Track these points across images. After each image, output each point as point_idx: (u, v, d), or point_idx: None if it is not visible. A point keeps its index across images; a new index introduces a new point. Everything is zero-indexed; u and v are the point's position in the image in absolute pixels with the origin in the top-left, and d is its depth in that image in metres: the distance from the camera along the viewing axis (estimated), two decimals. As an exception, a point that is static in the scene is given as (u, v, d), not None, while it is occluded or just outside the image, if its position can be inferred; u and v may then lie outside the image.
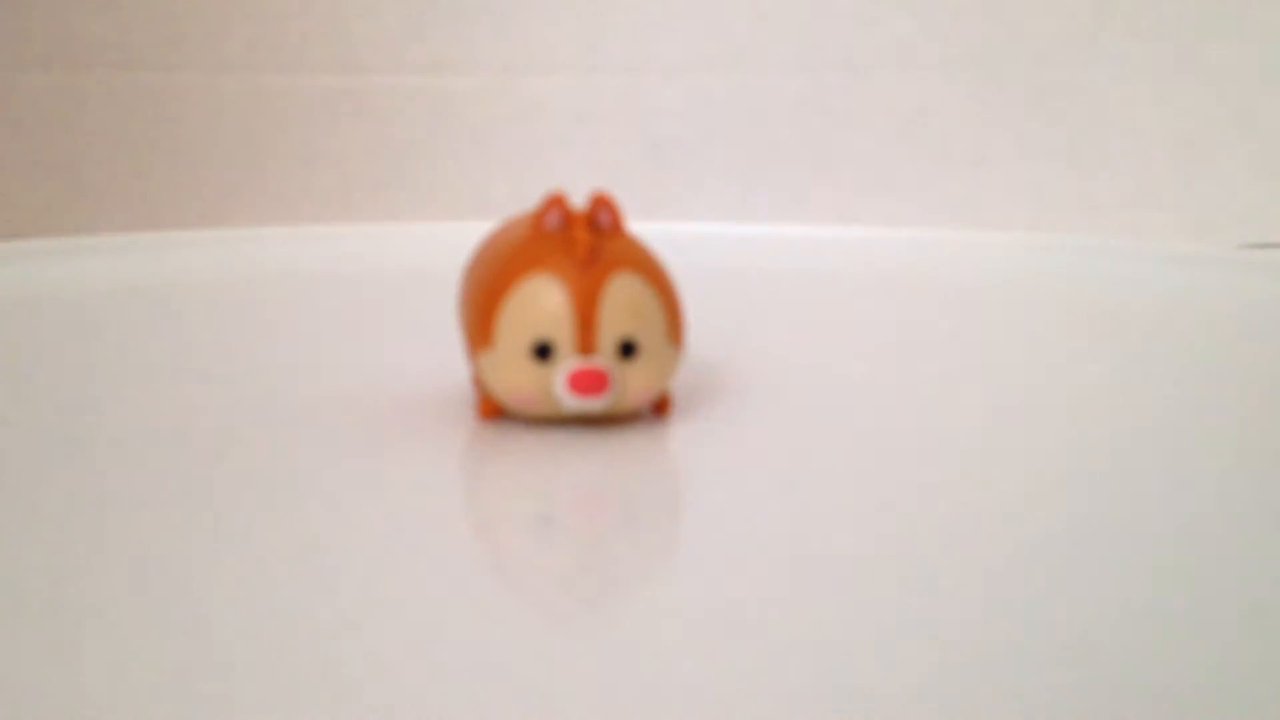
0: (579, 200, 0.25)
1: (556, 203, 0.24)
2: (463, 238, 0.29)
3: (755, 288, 0.45)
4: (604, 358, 0.23)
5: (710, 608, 0.17)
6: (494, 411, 0.25)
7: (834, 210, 0.69)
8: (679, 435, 0.25)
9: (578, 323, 0.23)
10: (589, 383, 0.23)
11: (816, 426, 0.26)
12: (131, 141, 0.66)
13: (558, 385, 0.23)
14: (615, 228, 0.24)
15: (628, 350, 0.23)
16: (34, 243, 0.49)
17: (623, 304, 0.23)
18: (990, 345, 0.35)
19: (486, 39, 0.67)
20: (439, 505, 0.21)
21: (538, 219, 0.24)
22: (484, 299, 0.24)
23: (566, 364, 0.23)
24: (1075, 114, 0.68)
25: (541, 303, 0.23)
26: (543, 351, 0.23)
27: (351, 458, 0.23)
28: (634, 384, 0.24)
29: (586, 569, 0.18)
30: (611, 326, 0.23)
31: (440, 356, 0.29)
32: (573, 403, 0.23)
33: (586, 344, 0.23)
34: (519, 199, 0.66)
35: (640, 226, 0.27)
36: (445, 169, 0.68)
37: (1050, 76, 0.67)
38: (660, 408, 0.26)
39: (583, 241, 0.23)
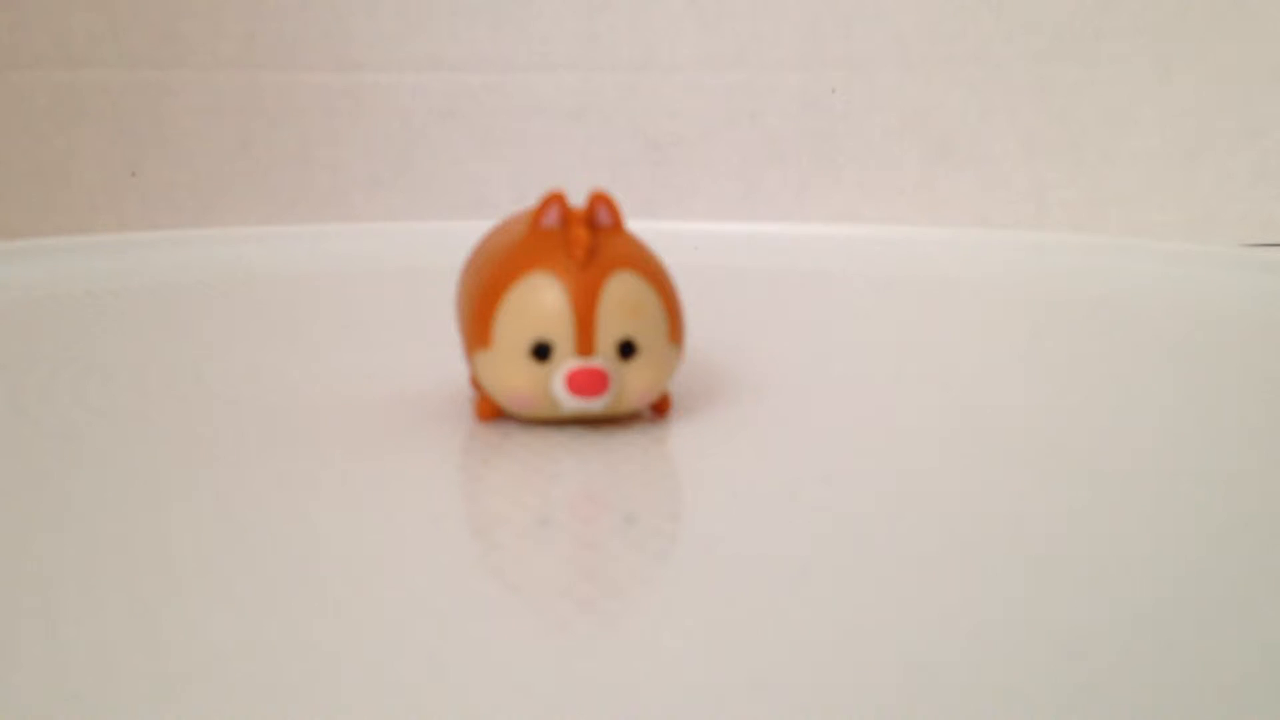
0: (578, 199, 0.24)
1: (555, 201, 0.23)
2: (461, 237, 0.29)
3: (755, 288, 0.44)
4: (603, 358, 0.23)
5: (709, 609, 0.17)
6: (492, 412, 0.25)
7: (835, 210, 0.69)
8: (679, 435, 0.25)
9: (576, 322, 0.23)
10: (588, 383, 0.23)
11: (817, 426, 0.26)
12: (127, 140, 0.66)
13: (556, 386, 0.23)
14: (614, 226, 0.24)
15: (627, 350, 0.23)
16: (27, 242, 0.49)
17: (622, 303, 0.23)
18: (991, 345, 0.35)
19: (486, 37, 0.67)
20: (437, 507, 0.21)
21: (536, 217, 0.24)
22: (482, 299, 0.23)
23: (565, 364, 0.23)
24: (1077, 113, 0.68)
25: (540, 302, 0.23)
26: (541, 351, 0.23)
27: (348, 459, 0.23)
28: (633, 384, 0.23)
29: (585, 571, 0.18)
30: (611, 326, 0.23)
31: (438, 357, 0.29)
32: (572, 403, 0.23)
33: (585, 344, 0.23)
34: (518, 198, 0.66)
35: (640, 226, 0.27)
36: (444, 168, 0.68)
37: (1052, 75, 0.67)
38: (660, 408, 0.25)
39: (581, 240, 0.23)
